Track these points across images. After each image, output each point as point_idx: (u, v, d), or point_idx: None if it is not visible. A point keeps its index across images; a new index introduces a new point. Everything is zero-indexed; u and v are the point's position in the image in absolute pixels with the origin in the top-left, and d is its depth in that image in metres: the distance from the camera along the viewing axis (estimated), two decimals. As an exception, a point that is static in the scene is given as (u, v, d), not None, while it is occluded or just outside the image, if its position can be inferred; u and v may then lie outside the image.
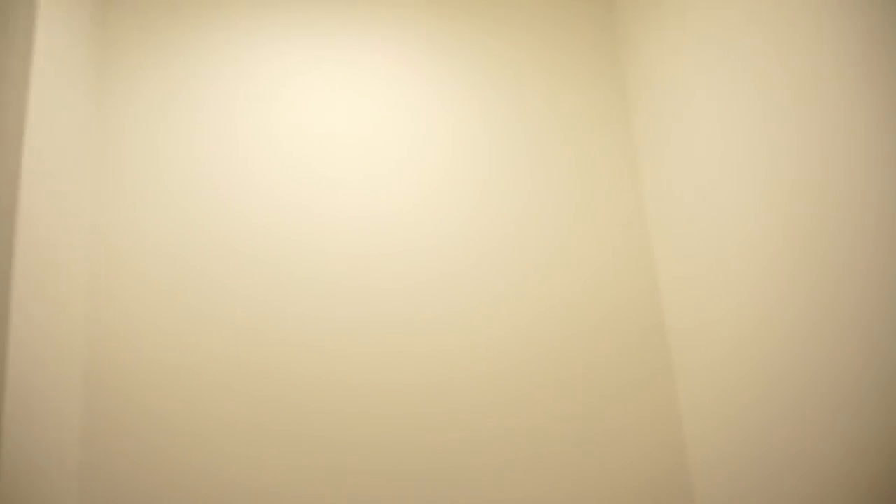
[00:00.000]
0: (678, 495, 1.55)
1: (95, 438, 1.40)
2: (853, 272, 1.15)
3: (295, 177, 1.64)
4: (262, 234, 1.59)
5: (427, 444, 1.51)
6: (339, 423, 1.50)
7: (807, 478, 1.25)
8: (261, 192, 1.62)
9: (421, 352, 1.58)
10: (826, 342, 1.21)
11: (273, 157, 1.65)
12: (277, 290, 1.56)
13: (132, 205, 1.57)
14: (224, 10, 1.72)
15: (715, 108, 1.49)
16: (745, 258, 1.41)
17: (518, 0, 1.86)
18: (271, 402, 1.49)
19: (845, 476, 1.17)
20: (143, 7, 1.70)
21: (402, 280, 1.61)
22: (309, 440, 1.48)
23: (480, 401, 1.56)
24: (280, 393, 1.50)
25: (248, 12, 1.73)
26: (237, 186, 1.62)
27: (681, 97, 1.61)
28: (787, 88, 1.29)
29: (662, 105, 1.69)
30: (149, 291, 1.52)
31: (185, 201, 1.59)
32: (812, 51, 1.22)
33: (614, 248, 1.71)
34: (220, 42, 1.70)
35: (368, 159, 1.68)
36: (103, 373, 1.45)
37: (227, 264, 1.56)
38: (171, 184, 1.60)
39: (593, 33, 1.87)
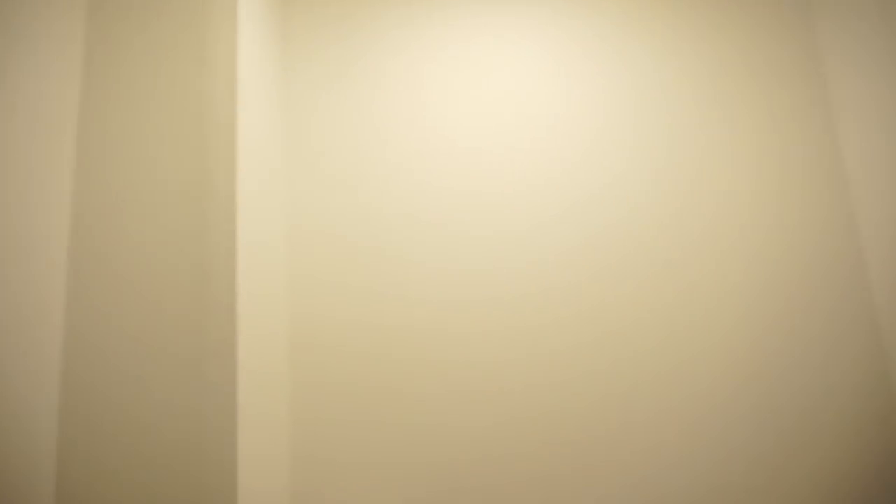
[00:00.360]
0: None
1: (300, 390, 1.56)
2: None
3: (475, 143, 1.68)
4: (448, 195, 1.64)
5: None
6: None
7: None
8: (444, 158, 1.67)
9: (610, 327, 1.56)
10: None
11: (457, 123, 1.69)
12: (466, 250, 1.61)
13: (316, 169, 1.67)
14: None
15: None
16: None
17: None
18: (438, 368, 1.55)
19: None
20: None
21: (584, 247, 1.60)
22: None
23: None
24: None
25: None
26: (417, 153, 1.67)
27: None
28: None
29: (859, 55, 1.54)
30: (337, 254, 1.62)
31: (367, 167, 1.67)
32: None
33: (808, 206, 1.61)
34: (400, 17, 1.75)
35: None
36: (302, 333, 1.59)
37: (411, 227, 1.63)
38: (352, 149, 1.68)
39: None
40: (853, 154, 1.59)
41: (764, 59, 1.68)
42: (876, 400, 1.48)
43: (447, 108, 1.70)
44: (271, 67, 1.59)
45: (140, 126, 1.37)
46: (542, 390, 1.52)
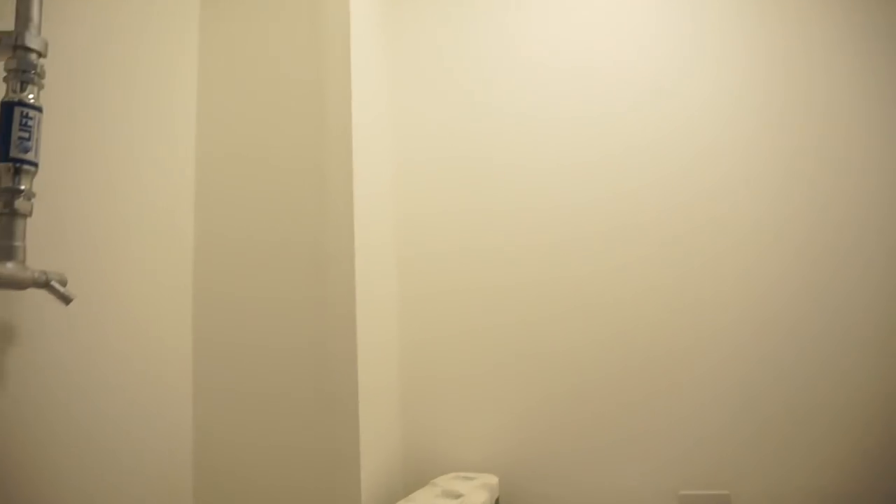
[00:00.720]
0: None
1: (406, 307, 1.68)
2: None
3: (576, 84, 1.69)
4: (550, 117, 1.68)
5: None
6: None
7: None
8: (539, 98, 1.70)
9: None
10: None
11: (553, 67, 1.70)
12: (568, 174, 1.65)
13: (418, 103, 1.75)
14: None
15: None
16: None
17: None
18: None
19: None
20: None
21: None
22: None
23: None
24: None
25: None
26: (516, 89, 1.71)
27: None
28: None
29: None
30: (437, 179, 1.72)
31: (466, 99, 1.73)
32: None
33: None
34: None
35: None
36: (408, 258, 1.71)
37: (509, 159, 1.69)
38: (453, 83, 1.75)
39: None
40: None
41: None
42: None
43: (548, 31, 1.72)
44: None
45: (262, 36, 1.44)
46: (631, 305, 1.57)
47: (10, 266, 0.85)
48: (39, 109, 0.89)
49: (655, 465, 1.51)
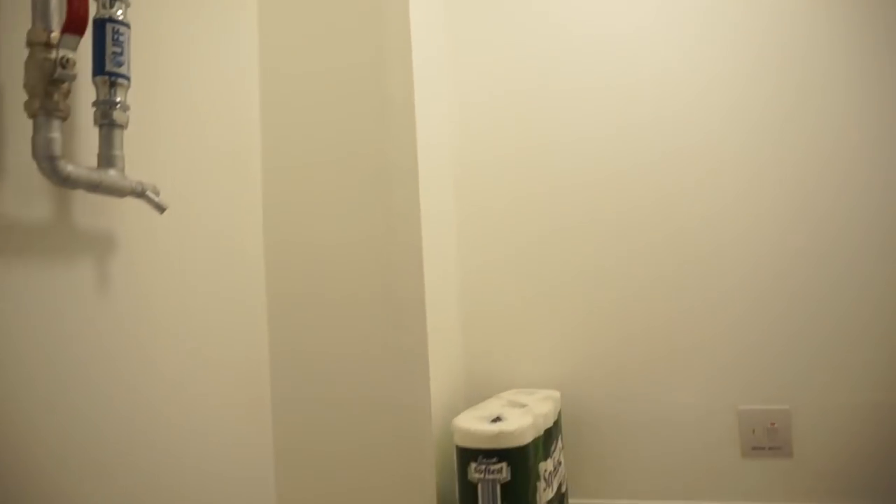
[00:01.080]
0: None
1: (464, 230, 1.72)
2: None
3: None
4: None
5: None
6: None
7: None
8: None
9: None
10: None
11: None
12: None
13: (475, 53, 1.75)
14: None
15: None
16: None
17: None
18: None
19: None
20: None
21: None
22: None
23: None
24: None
25: None
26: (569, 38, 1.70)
27: None
28: None
29: None
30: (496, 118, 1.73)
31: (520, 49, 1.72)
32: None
33: None
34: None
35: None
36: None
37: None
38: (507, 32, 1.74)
39: None
40: None
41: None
42: None
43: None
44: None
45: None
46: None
47: (112, 174, 0.90)
48: (128, 25, 0.93)
49: (714, 380, 1.54)
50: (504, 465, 1.21)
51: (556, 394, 1.52)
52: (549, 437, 1.37)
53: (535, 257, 1.66)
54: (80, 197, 0.92)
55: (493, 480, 1.21)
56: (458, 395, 1.59)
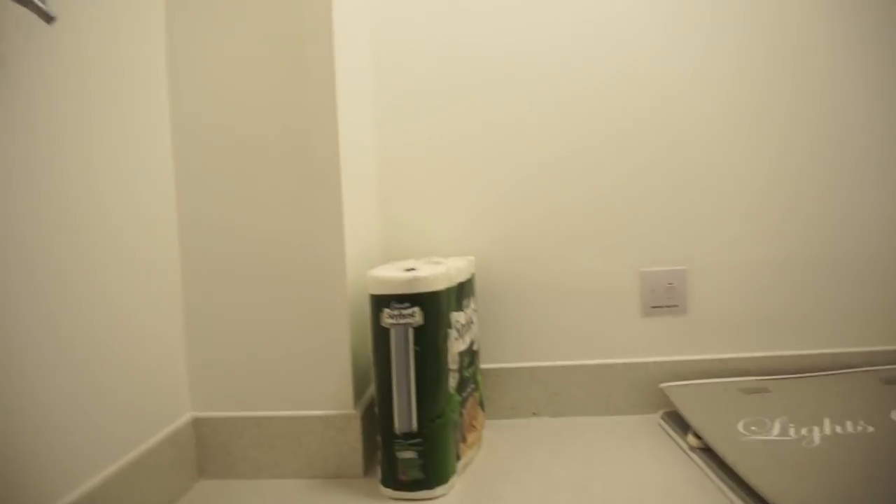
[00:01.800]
0: None
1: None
2: None
3: None
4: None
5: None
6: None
7: None
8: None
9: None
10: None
11: None
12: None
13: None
14: None
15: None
16: None
17: None
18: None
19: None
20: None
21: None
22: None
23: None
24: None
25: None
26: None
27: None
28: None
29: None
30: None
31: None
32: None
33: None
34: None
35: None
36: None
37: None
38: None
39: None
40: None
41: None
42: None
43: None
44: None
45: None
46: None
47: (-12, -34, 0.83)
48: None
49: (620, 247, 1.62)
50: (417, 309, 1.25)
51: (471, 258, 1.56)
52: (461, 291, 1.41)
53: (451, 135, 1.67)
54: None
55: (406, 325, 1.25)
56: (375, 260, 1.61)
